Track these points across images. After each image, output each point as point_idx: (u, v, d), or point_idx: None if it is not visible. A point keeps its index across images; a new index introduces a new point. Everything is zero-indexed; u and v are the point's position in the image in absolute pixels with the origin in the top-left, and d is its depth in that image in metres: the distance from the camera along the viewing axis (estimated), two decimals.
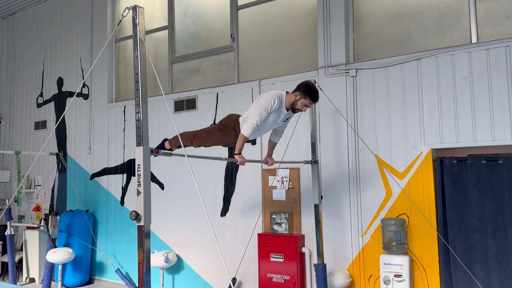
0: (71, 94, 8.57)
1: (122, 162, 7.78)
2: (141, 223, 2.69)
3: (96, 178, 8.07)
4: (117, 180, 7.83)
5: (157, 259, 6.54)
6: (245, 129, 3.84)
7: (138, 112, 2.79)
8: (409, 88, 5.13)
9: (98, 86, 8.18)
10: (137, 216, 2.67)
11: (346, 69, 5.51)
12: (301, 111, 3.99)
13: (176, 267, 6.88)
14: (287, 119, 4.11)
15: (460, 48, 4.83)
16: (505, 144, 4.55)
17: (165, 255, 6.53)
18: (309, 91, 3.87)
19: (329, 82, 5.58)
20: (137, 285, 7.12)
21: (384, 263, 4.82)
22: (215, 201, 6.58)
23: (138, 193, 2.71)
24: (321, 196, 4.87)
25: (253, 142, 6.29)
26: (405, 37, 5.36)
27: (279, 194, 5.95)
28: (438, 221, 4.95)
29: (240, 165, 4.00)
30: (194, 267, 6.74)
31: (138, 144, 2.75)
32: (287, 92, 4.00)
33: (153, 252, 6.72)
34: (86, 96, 8.34)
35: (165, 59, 7.56)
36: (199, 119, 6.84)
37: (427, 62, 5.02)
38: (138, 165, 2.73)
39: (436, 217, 4.94)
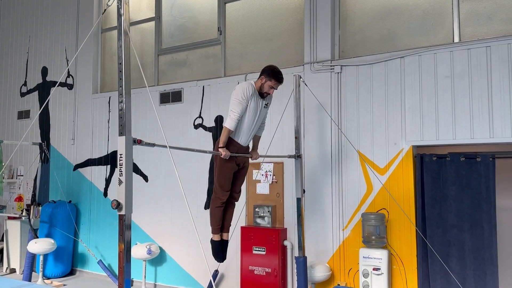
0: (55, 83, 8.48)
1: (106, 153, 7.75)
2: (122, 212, 2.71)
3: (80, 169, 8.02)
4: (101, 171, 7.79)
5: (139, 251, 6.54)
6: (228, 122, 3.92)
7: (121, 102, 2.80)
8: (392, 86, 5.22)
9: (83, 76, 8.11)
10: (118, 205, 2.69)
11: (331, 66, 5.57)
12: (269, 93, 4.17)
13: (158, 259, 6.90)
14: (266, 104, 4.22)
15: (442, 47, 4.93)
16: (484, 143, 4.67)
17: (147, 247, 6.54)
18: (272, 73, 4.08)
19: (315, 78, 5.63)
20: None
21: (363, 257, 4.91)
22: (199, 194, 6.60)
23: (120, 182, 2.73)
24: (304, 190, 4.93)
25: None
26: (390, 35, 5.43)
27: (262, 188, 6.00)
28: (417, 217, 5.06)
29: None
30: (177, 259, 6.76)
31: (121, 134, 2.77)
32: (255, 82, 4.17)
33: (136, 244, 6.72)
34: (70, 86, 8.27)
35: (152, 51, 7.53)
36: (185, 112, 6.84)
37: (410, 61, 5.10)
38: (120, 154, 2.75)
39: (415, 212, 5.04)
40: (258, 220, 5.95)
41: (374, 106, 5.31)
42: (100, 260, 7.34)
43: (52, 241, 7.02)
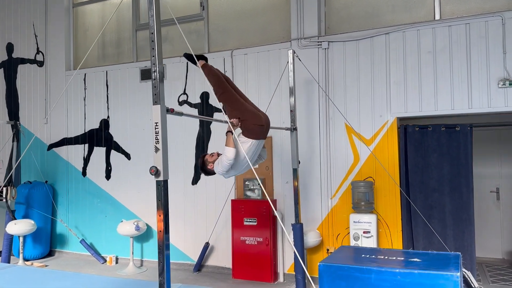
0: (23, 60, 8.11)
1: (83, 132, 7.58)
2: (160, 178, 2.78)
3: (54, 149, 7.80)
4: (78, 150, 7.63)
5: (127, 228, 6.56)
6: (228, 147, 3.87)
7: (154, 71, 2.84)
8: (377, 61, 5.50)
9: (54, 53, 7.82)
10: (157, 172, 2.76)
11: (318, 41, 5.77)
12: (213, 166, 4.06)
13: (145, 235, 6.93)
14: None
15: (425, 24, 5.25)
16: (463, 113, 5.07)
17: (135, 223, 6.56)
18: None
19: (302, 54, 5.80)
20: (102, 254, 7.09)
21: (354, 221, 5.24)
22: (186, 169, 6.67)
23: (157, 149, 2.79)
24: (299, 161, 5.15)
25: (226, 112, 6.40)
26: (374, 11, 5.69)
27: None
28: (401, 183, 5.44)
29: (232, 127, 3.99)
30: None
31: (155, 103, 2.82)
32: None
33: (122, 221, 6.71)
34: (40, 63, 7.95)
35: (129, 27, 7.38)
36: (168, 88, 6.81)
37: (395, 37, 5.40)
38: (156, 123, 2.80)
39: (399, 179, 5.42)
40: (248, 193, 6.13)
41: (361, 80, 5.59)
42: (83, 239, 7.26)
43: (32, 222, 6.85)
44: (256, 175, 3.54)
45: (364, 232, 5.18)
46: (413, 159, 5.43)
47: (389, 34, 5.42)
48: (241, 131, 3.98)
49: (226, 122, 3.75)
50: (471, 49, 5.03)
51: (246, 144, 3.89)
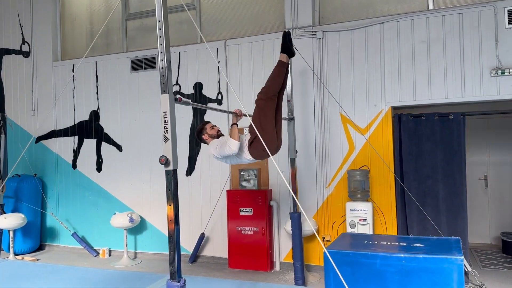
0: (8, 51, 7.90)
1: (72, 124, 7.45)
2: (170, 168, 2.77)
3: (43, 141, 7.66)
4: (68, 143, 7.50)
5: (120, 220, 6.51)
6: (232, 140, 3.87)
7: (162, 60, 2.81)
8: (372, 50, 5.55)
9: (41, 43, 7.64)
10: (166, 161, 2.74)
11: (313, 31, 5.78)
12: (219, 130, 4.10)
13: (138, 227, 6.89)
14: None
15: (419, 14, 5.31)
16: (456, 102, 5.17)
17: (129, 215, 6.51)
18: (199, 130, 4.12)
19: (297, 44, 5.72)
20: (94, 247, 7.02)
21: (350, 209, 5.31)
22: (180, 160, 6.60)
23: (166, 139, 2.77)
24: (296, 151, 5.18)
25: (220, 102, 6.39)
26: (368, 1, 5.73)
27: None
28: (396, 171, 5.53)
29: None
30: (158, 226, 6.80)
31: (163, 92, 2.79)
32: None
33: (115, 213, 6.65)
34: (26, 54, 7.76)
35: (118, 16, 7.25)
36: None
37: (389, 26, 5.44)
38: (165, 112, 2.77)
39: (394, 167, 5.50)
40: (244, 183, 6.14)
41: (355, 70, 5.63)
42: (74, 232, 7.18)
43: (22, 215, 6.74)
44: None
45: (360, 220, 5.26)
46: (407, 147, 5.51)
47: (383, 24, 5.47)
48: (247, 144, 3.96)
49: (230, 112, 3.75)
50: (464, 38, 5.12)
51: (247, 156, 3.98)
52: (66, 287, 5.23)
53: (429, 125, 5.42)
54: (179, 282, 2.83)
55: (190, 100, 3.18)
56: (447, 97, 5.19)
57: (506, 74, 4.88)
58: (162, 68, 2.81)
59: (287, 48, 4.04)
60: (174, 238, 2.80)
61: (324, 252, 3.46)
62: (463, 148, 5.29)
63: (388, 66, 5.46)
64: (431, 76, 5.26)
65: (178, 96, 2.93)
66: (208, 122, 4.19)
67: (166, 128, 2.79)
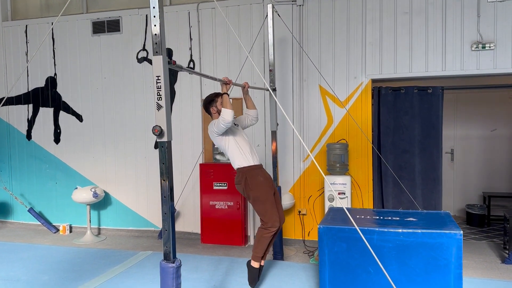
0: None
1: (26, 91, 6.82)
2: (164, 139, 2.49)
3: None
4: (21, 111, 6.89)
5: (83, 195, 6.09)
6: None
7: (154, 16, 2.49)
8: (353, 21, 5.39)
9: None
10: (161, 132, 2.46)
11: None
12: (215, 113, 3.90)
13: (102, 203, 6.50)
14: (236, 125, 4.06)
15: None
16: (437, 75, 5.15)
17: (92, 190, 6.10)
18: (210, 99, 3.90)
19: (277, 10, 5.53)
20: (53, 223, 6.58)
21: (329, 183, 5.23)
22: (148, 132, 6.26)
23: (159, 107, 2.48)
24: (277, 123, 4.99)
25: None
26: None
27: None
28: (373, 145, 5.49)
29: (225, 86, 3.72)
30: (125, 202, 6.45)
31: (156, 53, 2.48)
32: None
33: (76, 188, 6.21)
34: None
35: None
36: (125, 43, 6.27)
37: None
38: (158, 76, 2.47)
39: (372, 141, 5.46)
40: (218, 157, 5.90)
41: (336, 41, 5.46)
42: (31, 208, 6.67)
43: None
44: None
45: (339, 194, 5.20)
46: (385, 121, 5.48)
47: None
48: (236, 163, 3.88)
49: (218, 80, 3.47)
50: (446, 11, 5.06)
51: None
52: (28, 267, 4.85)
53: (408, 99, 5.39)
54: (174, 263, 2.59)
55: (182, 66, 2.86)
56: (427, 71, 5.16)
57: (486, 48, 4.90)
58: (155, 25, 2.49)
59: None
60: (168, 216, 2.55)
61: (319, 228, 3.34)
62: (441, 122, 5.32)
63: (370, 37, 5.34)
64: (412, 49, 5.20)
65: (172, 59, 2.61)
66: (219, 94, 3.86)
67: (160, 95, 2.50)
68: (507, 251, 5.06)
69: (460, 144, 7.07)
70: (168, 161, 2.54)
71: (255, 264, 3.85)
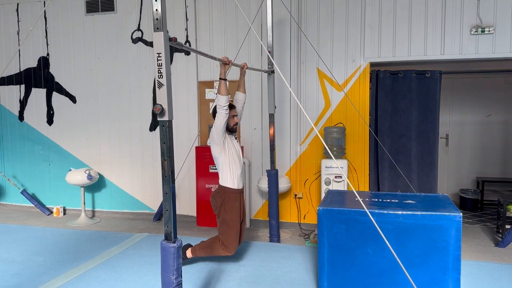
0: None
1: (18, 71, 6.69)
2: (165, 118, 2.44)
3: None
4: (12, 92, 6.77)
5: (77, 177, 6.03)
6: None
7: None
8: (352, 2, 5.32)
9: None
10: (162, 110, 2.41)
11: None
12: (236, 124, 3.91)
13: (96, 185, 6.46)
14: (236, 138, 4.07)
15: None
16: (435, 59, 5.12)
17: (86, 172, 6.04)
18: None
19: None
20: (47, 206, 6.52)
21: (326, 167, 5.22)
22: (143, 115, 6.19)
23: (160, 85, 2.43)
24: (275, 106, 4.95)
25: (187, 52, 5.95)
26: None
27: None
28: (371, 129, 5.48)
29: (223, 65, 3.65)
30: (119, 184, 6.40)
31: (157, 29, 2.41)
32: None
33: (70, 170, 6.15)
34: None
35: None
36: (119, 23, 6.15)
37: None
38: (158, 53, 2.41)
39: (369, 125, 5.45)
40: None
41: (335, 23, 5.40)
42: (24, 190, 6.61)
43: None
44: None
45: (335, 177, 5.20)
46: (383, 104, 5.46)
47: None
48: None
49: (219, 60, 3.41)
50: None
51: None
52: (22, 248, 4.82)
53: (406, 83, 5.37)
54: (175, 243, 2.57)
55: (183, 44, 2.79)
56: (426, 54, 5.13)
57: (485, 32, 4.87)
58: (156, 0, 2.41)
59: None
60: (170, 196, 2.52)
61: (318, 210, 3.33)
62: (438, 106, 5.32)
63: (369, 19, 5.28)
64: (411, 32, 5.15)
65: (173, 36, 2.55)
66: (232, 106, 3.87)
67: (161, 73, 2.44)
68: (501, 235, 5.12)
69: (455, 130, 7.10)
70: (169, 141, 2.50)
71: (189, 255, 4.03)
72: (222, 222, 3.89)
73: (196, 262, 4.35)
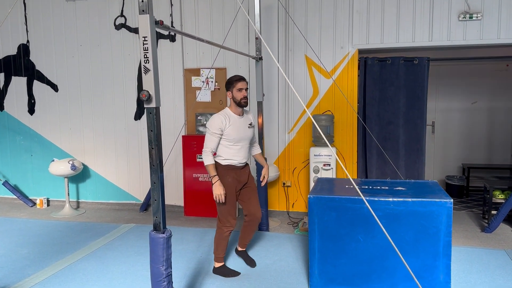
0: None
1: None
2: (152, 105, 2.36)
3: None
4: None
5: (61, 167, 5.89)
6: (204, 160, 3.51)
7: None
8: None
9: None
10: (149, 97, 2.32)
11: None
12: (244, 98, 3.62)
13: (80, 175, 6.32)
14: (250, 124, 3.77)
15: None
16: (423, 46, 5.10)
17: (70, 162, 5.91)
18: (231, 81, 3.64)
19: None
20: (29, 197, 6.37)
21: (314, 155, 5.19)
22: (128, 103, 6.06)
23: (146, 70, 2.34)
24: (263, 93, 4.88)
25: (173, 39, 5.82)
26: None
27: (203, 96, 5.76)
28: (359, 116, 5.46)
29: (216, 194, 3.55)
30: (103, 174, 6.28)
31: (143, 12, 2.31)
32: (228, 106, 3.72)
33: (53, 160, 6.01)
34: None
35: None
36: (101, 9, 5.98)
37: None
38: (144, 37, 2.31)
39: (357, 112, 5.43)
40: (201, 129, 5.77)
41: (323, 9, 5.33)
42: (6, 181, 6.44)
43: None
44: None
45: (324, 165, 5.17)
46: (371, 92, 5.44)
47: None
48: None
49: (207, 42, 3.32)
50: None
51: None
52: (5, 241, 4.70)
53: (394, 70, 5.35)
54: (164, 233, 2.50)
55: (169, 25, 2.70)
56: (414, 41, 5.10)
57: (473, 18, 4.86)
58: None
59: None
60: (158, 186, 2.45)
61: (309, 198, 3.30)
62: (426, 93, 5.32)
63: (357, 5, 5.22)
64: (400, 18, 5.12)
65: (159, 19, 2.45)
66: (241, 79, 3.63)
67: (147, 57, 2.35)
68: (487, 221, 5.18)
69: (441, 117, 7.14)
70: (156, 128, 2.42)
71: (219, 264, 3.82)
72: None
73: (185, 252, 4.29)
